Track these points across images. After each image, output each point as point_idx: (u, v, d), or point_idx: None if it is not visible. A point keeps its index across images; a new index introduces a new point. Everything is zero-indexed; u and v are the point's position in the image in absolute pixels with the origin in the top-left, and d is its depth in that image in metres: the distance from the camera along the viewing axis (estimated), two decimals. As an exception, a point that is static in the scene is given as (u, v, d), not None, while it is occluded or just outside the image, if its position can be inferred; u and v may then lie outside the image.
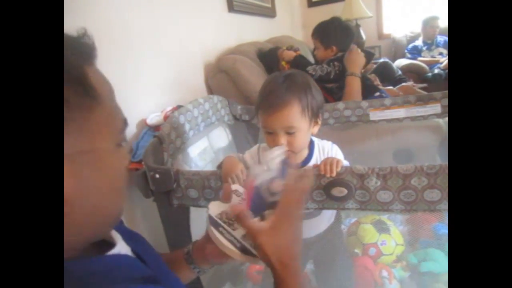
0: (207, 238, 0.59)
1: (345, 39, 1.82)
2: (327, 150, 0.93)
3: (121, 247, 0.44)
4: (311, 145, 0.93)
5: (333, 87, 1.75)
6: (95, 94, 0.35)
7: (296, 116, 0.83)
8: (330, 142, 0.95)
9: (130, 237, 0.47)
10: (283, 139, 0.83)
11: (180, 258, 0.62)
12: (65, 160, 0.32)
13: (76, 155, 0.33)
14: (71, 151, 0.32)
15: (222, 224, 0.55)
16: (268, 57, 1.95)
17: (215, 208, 0.59)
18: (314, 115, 0.87)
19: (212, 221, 0.56)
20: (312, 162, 0.91)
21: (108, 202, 0.39)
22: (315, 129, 0.90)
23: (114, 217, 0.41)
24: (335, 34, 1.81)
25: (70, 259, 0.35)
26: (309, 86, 0.87)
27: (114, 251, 0.42)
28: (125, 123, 0.41)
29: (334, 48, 1.80)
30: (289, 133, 0.84)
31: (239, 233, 0.54)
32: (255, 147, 0.98)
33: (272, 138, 0.85)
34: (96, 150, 0.36)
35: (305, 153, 0.92)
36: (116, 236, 0.45)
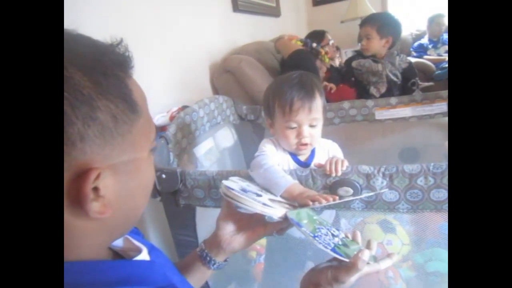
0: (220, 228, 0.64)
1: (399, 31, 1.81)
2: (327, 148, 0.94)
3: (146, 255, 0.46)
4: None
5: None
6: (138, 109, 0.37)
7: (320, 107, 0.85)
8: (330, 141, 0.96)
9: (150, 249, 0.49)
10: (307, 132, 0.84)
11: (194, 259, 0.65)
12: (110, 170, 0.34)
13: (120, 165, 0.36)
14: (115, 162, 0.35)
15: (243, 192, 0.63)
16: (302, 57, 1.84)
17: (230, 184, 0.66)
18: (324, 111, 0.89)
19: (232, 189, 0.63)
20: (315, 160, 0.92)
21: (140, 203, 0.42)
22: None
23: (139, 216, 0.43)
24: (393, 23, 1.78)
25: (97, 259, 0.38)
26: (320, 86, 0.89)
27: (140, 257, 0.44)
28: (156, 130, 0.43)
29: (390, 38, 1.75)
30: (312, 126, 0.85)
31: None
32: (269, 142, 0.92)
33: (295, 132, 0.85)
34: (136, 159, 0.38)
35: (309, 151, 0.93)
36: (139, 244, 0.47)
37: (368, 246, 0.59)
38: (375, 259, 0.57)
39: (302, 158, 0.92)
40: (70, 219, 0.33)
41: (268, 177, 0.75)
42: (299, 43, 1.83)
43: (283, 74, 0.92)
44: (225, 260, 0.66)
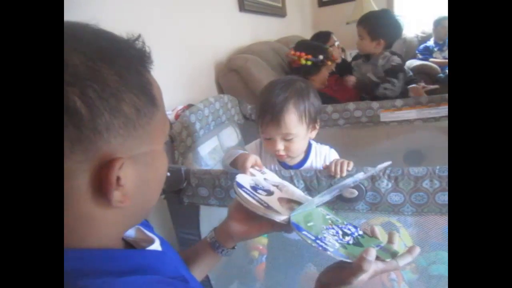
0: (230, 217, 0.64)
1: (395, 34, 1.74)
2: (324, 154, 0.94)
3: (158, 245, 0.47)
4: (308, 148, 0.94)
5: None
6: (156, 102, 0.39)
7: (292, 123, 0.83)
8: (327, 146, 0.96)
9: (160, 241, 0.49)
10: (281, 145, 0.85)
11: (204, 246, 0.66)
12: (130, 161, 0.36)
13: (139, 156, 0.37)
14: (135, 153, 0.37)
15: (252, 190, 0.64)
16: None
17: (242, 179, 0.67)
18: (312, 120, 0.88)
19: (240, 187, 0.64)
20: (307, 165, 0.92)
21: (155, 194, 0.43)
22: (313, 133, 0.91)
23: (152, 207, 0.44)
24: (386, 27, 1.70)
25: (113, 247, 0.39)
26: (307, 92, 0.87)
27: (152, 247, 0.45)
28: (170, 124, 0.44)
29: (382, 41, 1.69)
30: (287, 139, 0.85)
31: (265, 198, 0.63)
32: (255, 142, 0.99)
33: (270, 144, 0.87)
34: (153, 151, 0.40)
35: (301, 155, 0.93)
36: (152, 235, 0.48)
37: (390, 240, 0.57)
38: (394, 254, 0.54)
39: (290, 162, 0.93)
40: (92, 208, 0.34)
41: (228, 155, 0.83)
42: (309, 63, 1.81)
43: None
44: (233, 248, 0.67)
